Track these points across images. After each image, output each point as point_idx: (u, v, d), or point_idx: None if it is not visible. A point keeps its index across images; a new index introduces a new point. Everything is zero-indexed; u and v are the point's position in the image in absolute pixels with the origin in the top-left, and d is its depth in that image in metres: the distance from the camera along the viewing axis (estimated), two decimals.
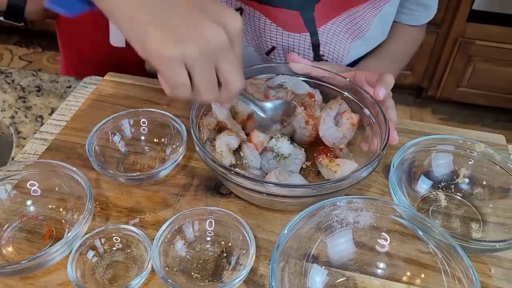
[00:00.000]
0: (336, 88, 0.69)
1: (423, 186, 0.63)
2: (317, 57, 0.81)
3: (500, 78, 2.28)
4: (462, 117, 2.54)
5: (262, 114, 0.62)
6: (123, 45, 0.96)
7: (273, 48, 0.81)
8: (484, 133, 0.75)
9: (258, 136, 0.63)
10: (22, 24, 0.80)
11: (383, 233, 0.55)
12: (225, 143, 0.62)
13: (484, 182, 0.63)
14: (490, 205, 0.61)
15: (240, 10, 0.78)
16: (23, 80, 0.87)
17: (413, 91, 2.61)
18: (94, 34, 0.99)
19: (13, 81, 0.87)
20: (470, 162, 0.63)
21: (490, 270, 0.56)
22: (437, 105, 2.58)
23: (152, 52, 0.45)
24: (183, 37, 0.44)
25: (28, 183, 0.58)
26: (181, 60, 0.45)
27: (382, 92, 0.61)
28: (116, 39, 0.95)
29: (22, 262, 0.48)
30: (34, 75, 0.89)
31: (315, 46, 0.80)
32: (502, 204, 0.61)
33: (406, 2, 0.86)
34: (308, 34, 0.78)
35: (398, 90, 2.72)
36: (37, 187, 0.58)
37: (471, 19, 2.13)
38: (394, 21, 0.88)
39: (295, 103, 0.65)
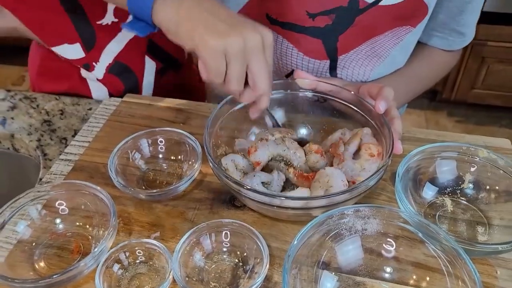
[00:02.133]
0: (342, 101, 0.72)
1: (429, 192, 0.66)
2: None
3: None
4: (478, 118, 2.53)
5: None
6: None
7: (293, 71, 0.84)
8: (489, 138, 0.77)
9: (257, 156, 0.67)
10: None
11: (390, 239, 0.57)
12: (230, 159, 0.66)
13: (489, 187, 0.65)
14: (495, 209, 0.64)
15: None
16: (47, 105, 0.93)
17: (428, 95, 2.61)
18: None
19: (37, 105, 0.92)
20: (474, 168, 0.66)
21: (497, 272, 0.58)
22: (453, 108, 2.58)
23: (200, 42, 0.55)
24: (226, 33, 0.55)
25: (57, 202, 0.63)
26: (223, 51, 0.55)
27: (382, 105, 0.64)
28: (97, 95, 0.99)
29: (54, 276, 0.52)
30: (57, 99, 0.94)
31: (332, 70, 0.83)
32: (507, 207, 0.63)
33: (440, 27, 0.85)
34: (328, 61, 0.81)
35: None
36: (65, 206, 0.63)
37: (481, 20, 2.12)
38: (424, 43, 0.89)
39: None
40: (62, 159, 0.77)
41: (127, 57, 0.96)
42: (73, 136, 0.84)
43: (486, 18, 2.11)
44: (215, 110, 0.68)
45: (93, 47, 0.92)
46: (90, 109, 0.91)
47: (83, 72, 0.96)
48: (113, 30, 0.92)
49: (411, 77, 0.87)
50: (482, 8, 2.08)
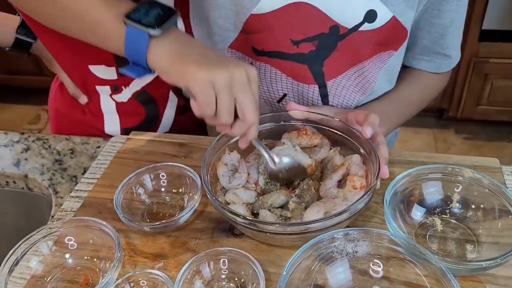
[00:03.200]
0: (332, 130, 0.76)
1: (418, 213, 0.68)
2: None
3: None
4: (486, 134, 2.54)
5: (271, 165, 0.72)
6: (118, 133, 1.06)
7: (285, 95, 0.89)
8: (478, 158, 0.80)
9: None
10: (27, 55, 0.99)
11: (381, 260, 0.60)
12: (232, 192, 0.71)
13: (476, 205, 0.68)
14: (484, 226, 0.66)
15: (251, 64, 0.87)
16: (58, 145, 0.98)
17: (434, 113, 2.63)
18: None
19: (49, 146, 0.98)
20: (460, 188, 0.68)
21: None
22: (460, 125, 2.59)
23: (191, 77, 0.60)
24: (214, 68, 0.60)
25: (66, 238, 0.67)
26: (211, 84, 0.60)
27: (369, 130, 0.68)
28: (110, 129, 1.06)
29: None
30: (67, 139, 0.99)
31: (324, 97, 0.87)
32: (495, 224, 0.65)
33: (425, 51, 0.89)
34: (316, 86, 0.85)
35: (419, 113, 2.75)
36: (74, 241, 0.67)
37: (482, 38, 2.17)
38: (413, 68, 0.92)
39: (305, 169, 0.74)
40: (73, 196, 0.82)
41: (154, 88, 1.03)
42: (83, 174, 0.88)
43: (486, 36, 2.15)
44: (212, 144, 0.72)
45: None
46: (99, 147, 0.96)
47: (103, 103, 1.02)
48: None
49: (401, 101, 0.90)
50: (482, 26, 2.12)
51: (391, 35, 0.80)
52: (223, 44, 0.84)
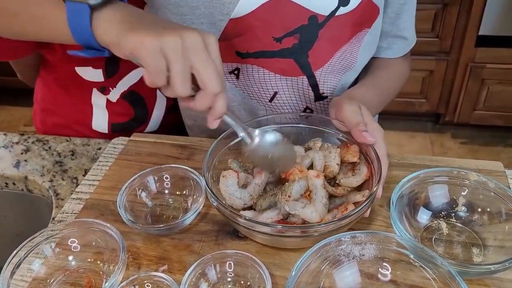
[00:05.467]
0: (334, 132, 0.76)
1: (423, 217, 0.68)
2: (318, 96, 0.88)
3: None
4: (483, 139, 2.55)
5: (248, 141, 0.67)
6: (105, 129, 1.06)
7: (276, 93, 0.88)
8: (482, 161, 0.80)
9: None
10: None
11: (388, 264, 0.60)
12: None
13: (482, 209, 0.67)
14: (490, 230, 0.66)
15: (237, 70, 0.86)
16: (58, 146, 0.97)
17: (431, 118, 2.64)
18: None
19: (50, 147, 0.97)
20: (466, 191, 0.68)
21: None
22: (457, 130, 2.60)
23: (138, 44, 0.55)
24: (163, 33, 0.55)
25: (69, 240, 0.66)
26: (160, 49, 0.54)
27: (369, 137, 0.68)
28: (97, 124, 1.05)
29: None
30: (67, 141, 0.98)
31: (314, 86, 0.87)
32: (501, 228, 0.65)
33: (384, 37, 0.91)
34: (305, 76, 0.85)
35: (416, 118, 2.77)
36: (77, 244, 0.66)
37: (479, 44, 2.19)
38: (378, 57, 0.94)
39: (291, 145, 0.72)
40: (74, 198, 0.81)
41: (142, 88, 1.02)
42: (84, 175, 0.88)
43: (483, 41, 2.17)
44: (211, 145, 0.72)
45: (113, 76, 0.99)
46: (100, 148, 0.95)
47: (94, 97, 1.02)
48: (135, 64, 0.99)
49: (381, 88, 0.91)
50: (479, 32, 2.14)
51: (365, 14, 0.81)
52: None
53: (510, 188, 0.74)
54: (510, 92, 2.29)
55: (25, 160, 0.94)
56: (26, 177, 0.90)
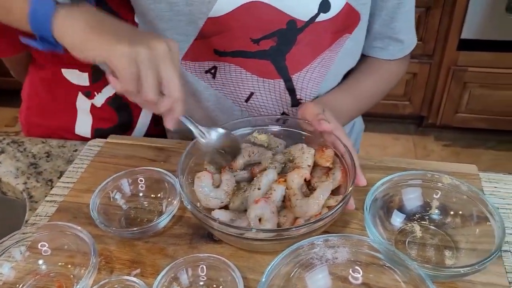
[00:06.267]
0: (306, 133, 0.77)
1: (397, 220, 0.68)
2: (295, 102, 0.88)
3: (497, 102, 2.33)
4: (465, 141, 2.58)
5: (202, 139, 0.71)
6: (88, 134, 1.05)
7: (252, 94, 0.88)
8: (457, 165, 0.80)
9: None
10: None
11: (360, 267, 0.60)
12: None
13: (455, 212, 0.68)
14: (462, 233, 0.66)
15: (214, 68, 0.86)
16: (33, 148, 0.96)
17: (414, 120, 2.66)
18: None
19: (25, 149, 0.95)
20: (439, 194, 0.69)
21: None
22: (439, 132, 2.63)
23: (111, 51, 0.58)
24: (134, 42, 0.58)
25: (40, 244, 0.65)
26: (132, 57, 0.57)
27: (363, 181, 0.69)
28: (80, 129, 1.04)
29: None
30: (43, 142, 0.97)
31: (291, 91, 0.87)
32: (472, 230, 0.66)
33: (378, 37, 0.90)
34: (282, 80, 0.85)
35: (399, 120, 2.79)
36: (48, 247, 0.65)
37: (461, 47, 2.21)
38: (370, 56, 0.94)
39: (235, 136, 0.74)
40: (48, 201, 0.80)
41: None
42: (59, 178, 0.86)
43: (465, 45, 2.19)
44: (187, 148, 0.72)
45: (99, 80, 0.98)
46: (76, 150, 0.94)
47: (79, 101, 1.01)
48: None
49: (360, 93, 0.91)
50: (461, 36, 2.16)
51: (346, 21, 0.81)
52: (182, 46, 0.83)
53: (482, 191, 0.74)
54: (491, 95, 2.31)
55: (0, 162, 0.92)
56: (0, 179, 0.88)
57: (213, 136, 0.72)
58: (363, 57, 0.93)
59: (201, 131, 0.70)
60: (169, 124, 0.66)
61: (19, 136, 1.01)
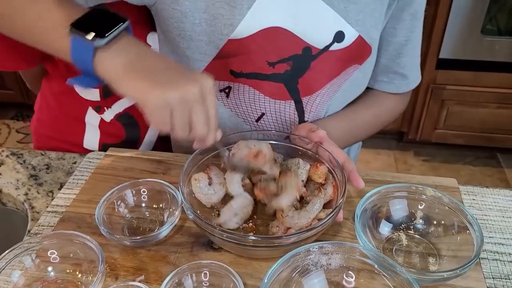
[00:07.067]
0: (303, 148, 0.81)
1: (385, 229, 0.74)
2: (302, 123, 0.92)
3: (474, 119, 2.43)
4: (443, 157, 2.67)
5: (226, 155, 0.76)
6: (96, 148, 1.08)
7: (262, 114, 0.93)
8: (438, 178, 0.86)
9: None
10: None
11: (353, 272, 0.65)
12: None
13: (437, 221, 0.74)
14: (444, 241, 0.72)
15: (228, 88, 0.90)
16: (33, 160, 0.98)
17: (395, 136, 2.75)
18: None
19: (24, 161, 0.98)
20: (423, 205, 0.74)
21: None
22: (419, 147, 2.71)
23: (143, 97, 0.61)
24: (167, 87, 0.60)
25: (49, 251, 0.68)
26: (165, 104, 0.60)
27: (361, 183, 0.74)
28: (88, 143, 1.08)
29: None
30: (42, 155, 1.00)
31: (300, 112, 0.92)
32: (454, 239, 0.71)
33: (384, 71, 0.96)
34: (292, 101, 0.90)
35: (381, 135, 2.87)
36: (56, 255, 0.68)
37: (439, 66, 2.30)
38: (374, 89, 0.99)
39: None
40: (49, 211, 0.83)
41: (136, 110, 1.04)
42: (59, 189, 0.89)
43: (443, 64, 2.29)
44: (188, 160, 0.76)
45: (110, 96, 1.01)
46: (75, 162, 0.97)
47: (88, 116, 1.04)
48: None
49: (355, 122, 0.96)
50: (439, 55, 2.25)
51: (358, 52, 0.87)
52: (200, 66, 0.88)
53: (462, 202, 0.80)
54: (468, 112, 2.41)
55: (0, 174, 0.94)
56: (0, 190, 0.91)
57: (237, 164, 0.76)
58: (367, 89, 0.99)
59: (227, 156, 0.75)
60: (195, 146, 0.72)
61: (2, 147, 1.03)
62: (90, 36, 0.60)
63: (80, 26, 0.62)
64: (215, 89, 0.67)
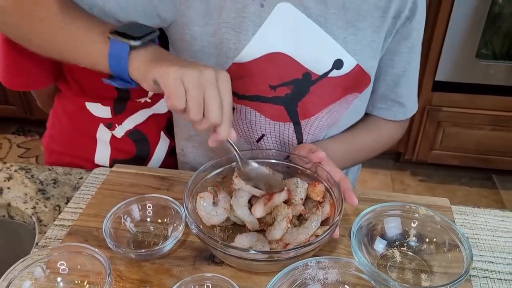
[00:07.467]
0: (301, 167, 0.85)
1: (380, 246, 0.77)
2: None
3: (469, 140, 2.46)
4: (439, 177, 2.70)
5: (241, 167, 0.79)
6: (107, 164, 1.12)
7: (263, 135, 0.97)
8: (432, 198, 0.90)
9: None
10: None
11: (348, 286, 0.68)
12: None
13: (430, 239, 0.77)
14: (436, 258, 0.75)
15: (232, 108, 0.94)
16: (41, 175, 1.02)
17: (392, 156, 2.79)
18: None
19: (32, 176, 1.02)
20: (416, 223, 0.78)
21: None
22: (416, 168, 2.75)
23: (164, 72, 0.67)
24: (184, 66, 0.67)
25: (58, 263, 0.71)
26: (181, 79, 0.66)
27: (355, 201, 0.78)
28: (100, 159, 1.12)
29: None
30: (50, 170, 1.03)
31: (298, 134, 0.96)
32: (445, 256, 0.74)
33: (382, 99, 1.00)
34: (291, 123, 0.95)
35: (378, 155, 2.91)
36: (65, 266, 0.71)
37: (435, 88, 2.35)
38: (373, 115, 1.03)
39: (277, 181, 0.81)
40: (57, 225, 0.86)
41: (146, 128, 1.09)
42: (66, 203, 0.93)
43: (439, 86, 2.34)
44: (192, 177, 0.80)
45: (121, 113, 1.06)
46: (81, 178, 1.00)
47: (100, 132, 1.08)
48: (142, 105, 1.07)
49: (354, 145, 1.00)
50: (435, 78, 2.30)
51: (356, 80, 0.91)
52: None
53: (454, 222, 0.84)
54: (463, 134, 2.45)
55: (8, 188, 0.98)
56: (9, 204, 0.94)
57: (252, 170, 0.79)
58: (366, 114, 1.03)
59: (241, 157, 0.78)
60: (211, 143, 0.73)
61: (26, 163, 1.07)
62: (127, 38, 0.70)
63: (118, 30, 0.72)
64: (230, 81, 0.71)
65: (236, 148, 0.77)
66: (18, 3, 0.77)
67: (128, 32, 0.71)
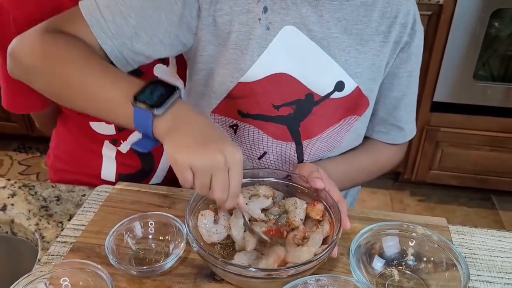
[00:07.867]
0: (301, 186, 0.86)
1: (378, 264, 0.78)
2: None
3: (467, 161, 2.48)
4: (438, 197, 2.71)
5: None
6: (113, 178, 1.14)
7: (265, 153, 0.99)
8: (429, 217, 0.91)
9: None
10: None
11: None
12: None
13: (427, 258, 0.78)
14: (434, 277, 0.76)
15: (236, 126, 0.97)
16: (44, 192, 1.03)
17: (391, 175, 2.80)
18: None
19: (36, 193, 1.03)
20: (414, 243, 0.79)
21: None
22: (415, 187, 2.76)
23: (171, 157, 0.69)
24: (196, 152, 0.68)
25: (61, 279, 0.72)
26: (188, 166, 0.67)
27: (347, 225, 0.79)
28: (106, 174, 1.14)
29: None
30: (53, 187, 1.05)
31: (299, 154, 0.98)
32: (443, 275, 0.75)
33: (381, 122, 1.02)
34: (293, 143, 0.97)
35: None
36: (68, 282, 0.72)
37: (433, 109, 2.38)
38: (372, 138, 1.05)
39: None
40: (59, 241, 0.87)
41: None
42: (69, 220, 0.94)
43: (437, 107, 2.37)
44: (193, 195, 0.81)
45: (125, 130, 1.07)
46: (84, 195, 1.02)
47: (105, 149, 1.10)
48: None
49: (353, 167, 1.02)
50: (433, 98, 2.33)
51: (357, 102, 0.94)
52: (209, 107, 0.95)
53: (451, 241, 0.85)
54: (461, 154, 2.47)
55: (12, 204, 0.99)
56: (12, 220, 0.95)
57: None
58: (365, 138, 1.06)
59: (247, 224, 0.79)
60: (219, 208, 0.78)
61: (27, 179, 1.08)
62: (150, 108, 0.69)
63: (141, 97, 0.71)
64: (242, 161, 0.70)
65: (243, 214, 0.78)
66: (47, 60, 0.78)
67: (149, 100, 0.70)
